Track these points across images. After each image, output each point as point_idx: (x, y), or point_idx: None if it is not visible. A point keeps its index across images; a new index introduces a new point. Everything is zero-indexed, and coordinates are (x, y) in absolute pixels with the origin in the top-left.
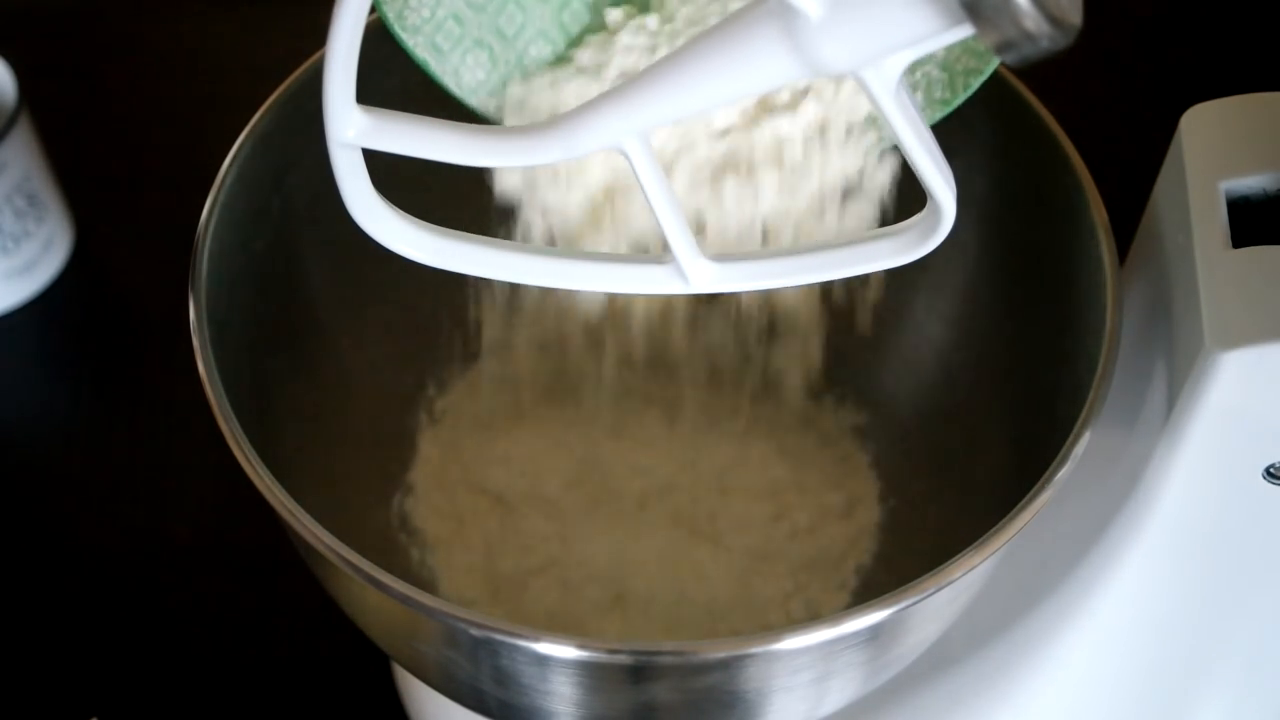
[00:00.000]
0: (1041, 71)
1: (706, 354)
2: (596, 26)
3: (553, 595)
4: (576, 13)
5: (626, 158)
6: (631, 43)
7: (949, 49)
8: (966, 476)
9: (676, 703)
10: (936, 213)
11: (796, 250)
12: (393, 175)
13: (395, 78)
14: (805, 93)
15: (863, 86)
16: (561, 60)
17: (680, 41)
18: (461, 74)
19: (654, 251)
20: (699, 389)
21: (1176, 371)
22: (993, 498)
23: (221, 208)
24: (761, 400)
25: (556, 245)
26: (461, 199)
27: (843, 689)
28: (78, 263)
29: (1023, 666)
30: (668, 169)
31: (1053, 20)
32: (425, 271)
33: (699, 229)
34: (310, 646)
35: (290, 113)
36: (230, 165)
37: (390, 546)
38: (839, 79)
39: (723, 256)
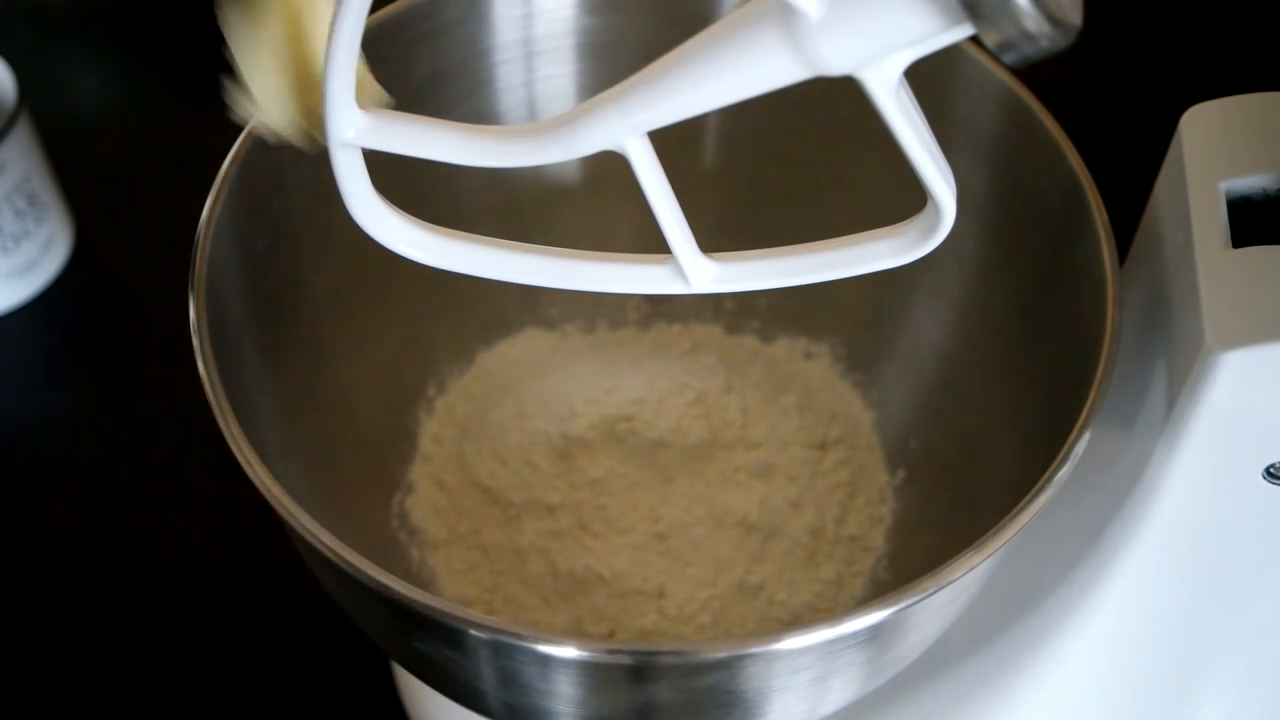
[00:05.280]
0: (1041, 71)
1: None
2: None
3: (552, 595)
4: None
5: (626, 158)
6: None
7: None
8: (967, 476)
9: (676, 703)
10: (936, 213)
11: (796, 250)
12: (393, 175)
13: (395, 78)
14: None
15: (863, 86)
16: None
17: None
18: None
19: None
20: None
21: (1176, 371)
22: (993, 497)
23: (221, 208)
24: (762, 403)
25: None
26: (461, 199)
27: (843, 689)
28: (78, 263)
29: (1023, 666)
30: None
31: (1053, 20)
32: (425, 271)
33: None
34: (310, 646)
35: None
36: (230, 165)
37: (390, 546)
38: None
39: (723, 256)
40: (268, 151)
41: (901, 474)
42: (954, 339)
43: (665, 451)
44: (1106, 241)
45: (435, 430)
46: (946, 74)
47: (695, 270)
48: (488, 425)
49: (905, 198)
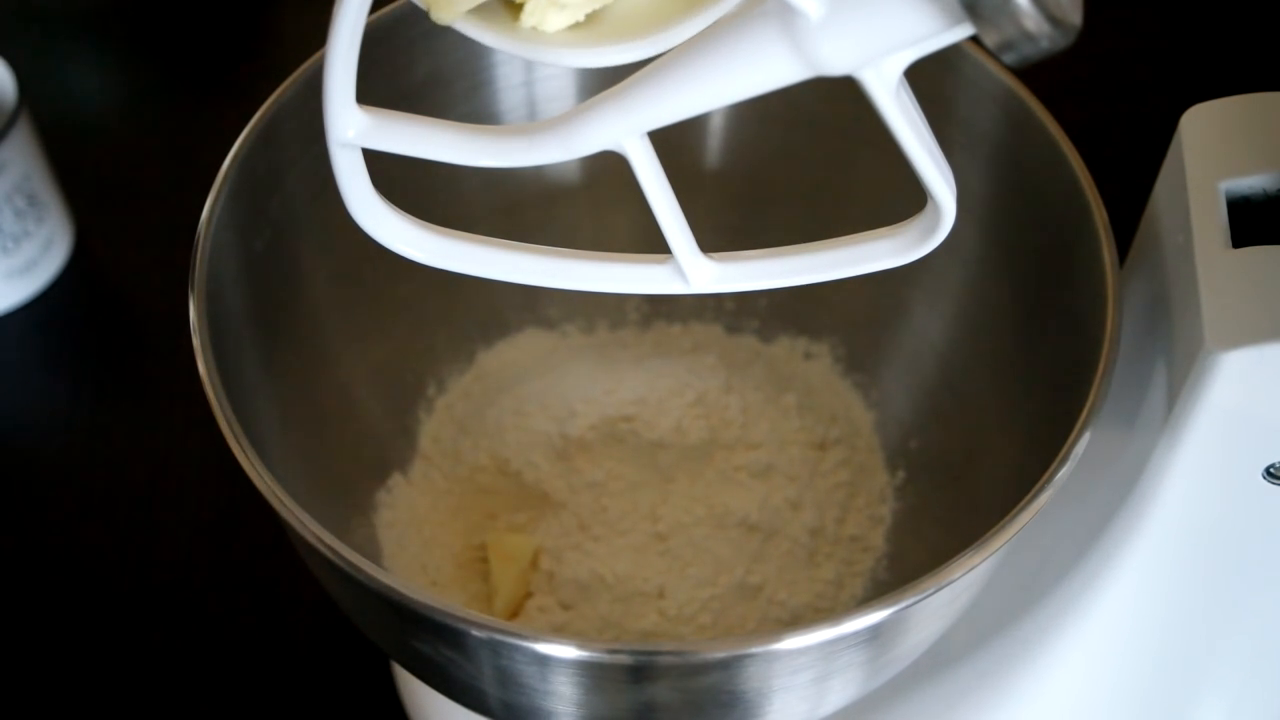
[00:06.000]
0: (1041, 71)
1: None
2: None
3: (553, 595)
4: None
5: (626, 158)
6: None
7: None
8: (967, 476)
9: (676, 703)
10: (936, 213)
11: (796, 250)
12: (393, 175)
13: (395, 78)
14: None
15: (863, 86)
16: None
17: None
18: None
19: None
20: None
21: (1176, 371)
22: (993, 498)
23: (221, 208)
24: (762, 403)
25: None
26: (462, 199)
27: (843, 689)
28: (78, 263)
29: (1023, 666)
30: None
31: (1053, 20)
32: (425, 271)
33: None
34: (310, 646)
35: (290, 113)
36: (230, 165)
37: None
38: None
39: (723, 256)
40: (268, 151)
41: (901, 474)
42: (954, 339)
43: (665, 452)
44: (1106, 241)
45: (435, 430)
46: (946, 74)
47: (695, 270)
48: (487, 425)
49: (905, 198)
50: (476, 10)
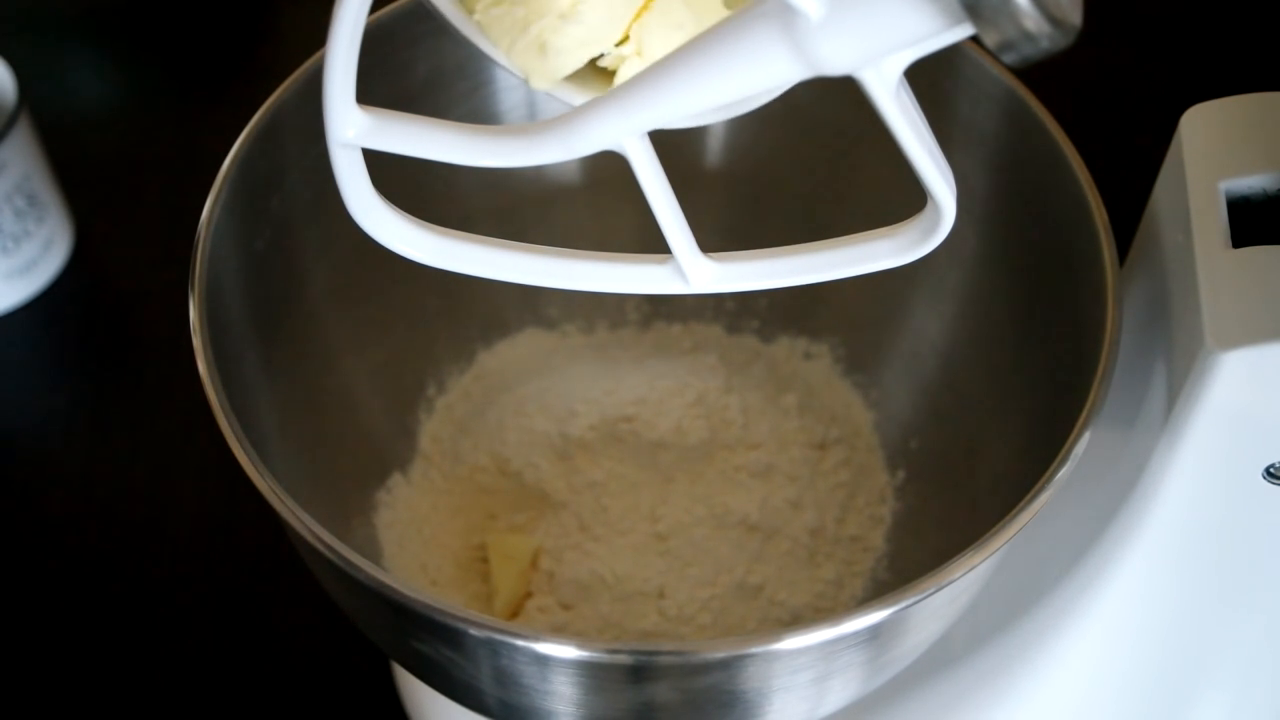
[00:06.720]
0: (1041, 72)
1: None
2: None
3: (553, 595)
4: None
5: (626, 158)
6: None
7: None
8: (967, 476)
9: (676, 703)
10: (936, 213)
11: (796, 250)
12: (393, 175)
13: (395, 78)
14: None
15: (862, 87)
16: None
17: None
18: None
19: None
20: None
21: (1176, 371)
22: (993, 497)
23: (221, 208)
24: (762, 403)
25: None
26: (462, 199)
27: (843, 689)
28: (78, 263)
29: (1023, 666)
30: None
31: (1053, 20)
32: (425, 271)
33: None
34: (310, 646)
35: (290, 113)
36: (230, 165)
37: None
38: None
39: (723, 256)
40: (268, 151)
41: (901, 474)
42: (954, 339)
43: (665, 452)
44: (1106, 241)
45: (435, 430)
46: (946, 74)
47: (695, 270)
48: (487, 425)
49: (905, 198)
50: (572, 76)
